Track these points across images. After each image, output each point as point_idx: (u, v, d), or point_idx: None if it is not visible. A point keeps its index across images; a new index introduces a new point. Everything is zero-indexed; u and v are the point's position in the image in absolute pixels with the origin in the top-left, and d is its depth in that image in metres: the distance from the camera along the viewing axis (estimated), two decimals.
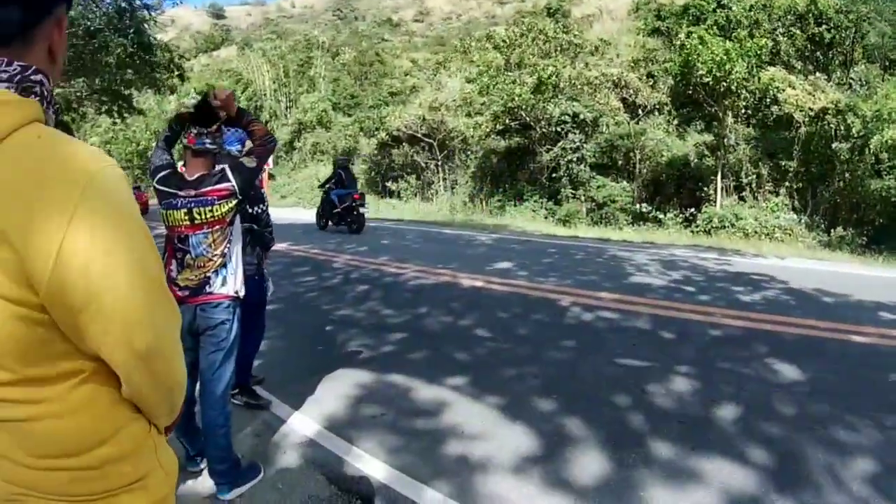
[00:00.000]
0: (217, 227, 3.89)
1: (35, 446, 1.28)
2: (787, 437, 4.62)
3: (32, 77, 1.23)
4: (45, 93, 1.26)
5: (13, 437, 1.27)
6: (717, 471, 4.12)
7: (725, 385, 5.56)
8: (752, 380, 5.73)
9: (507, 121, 26.06)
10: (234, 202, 3.85)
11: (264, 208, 5.07)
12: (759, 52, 20.96)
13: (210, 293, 3.86)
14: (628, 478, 4.04)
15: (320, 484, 4.03)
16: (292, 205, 32.13)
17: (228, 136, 4.73)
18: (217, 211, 3.87)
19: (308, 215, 23.80)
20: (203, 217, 3.87)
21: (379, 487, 3.95)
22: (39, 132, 1.18)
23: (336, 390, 5.53)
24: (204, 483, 4.01)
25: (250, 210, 4.86)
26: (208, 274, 3.86)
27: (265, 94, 41.84)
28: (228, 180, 3.82)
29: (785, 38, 24.09)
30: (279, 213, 24.21)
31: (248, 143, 4.34)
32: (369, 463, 4.24)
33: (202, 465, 4.16)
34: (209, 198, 3.85)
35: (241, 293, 3.94)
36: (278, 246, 12.44)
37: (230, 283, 3.88)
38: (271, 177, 34.64)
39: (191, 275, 3.91)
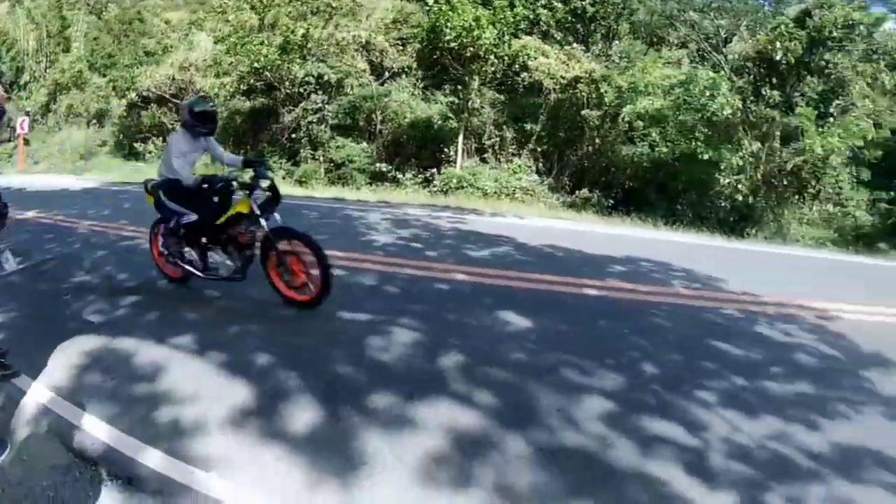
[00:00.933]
0: None
1: None
2: (516, 382, 4.85)
3: None
4: None
5: None
6: (439, 416, 4.29)
7: (450, 336, 5.69)
8: (480, 330, 5.93)
9: (253, 81, 25.48)
10: None
11: None
12: (513, 21, 21.07)
13: None
14: (346, 429, 4.15)
15: (59, 452, 4.00)
16: (46, 171, 29.85)
17: None
18: None
19: (61, 180, 23.31)
20: None
21: (105, 451, 3.97)
22: None
23: (70, 358, 5.38)
24: None
25: None
26: None
27: (27, 55, 38.37)
28: None
29: (546, 10, 24.16)
30: (32, 180, 23.12)
31: None
32: (97, 427, 4.23)
33: None
34: None
35: None
36: (26, 214, 12.69)
37: None
38: (26, 142, 31.86)
39: None
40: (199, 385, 4.74)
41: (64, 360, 5.38)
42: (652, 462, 3.98)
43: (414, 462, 3.80)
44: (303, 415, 4.31)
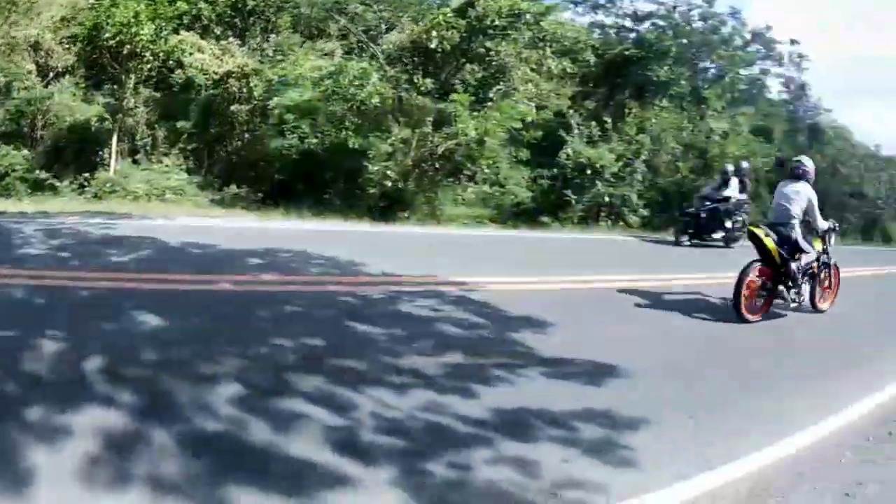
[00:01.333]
0: None
1: None
2: (152, 377, 4.94)
3: None
4: None
5: None
6: (90, 419, 4.17)
7: (91, 342, 5.61)
8: (116, 334, 5.92)
9: None
10: None
11: None
12: (173, 15, 21.08)
13: None
14: (4, 449, 3.82)
15: None
16: None
17: None
18: None
19: None
20: None
21: None
22: None
23: None
24: None
25: None
26: None
27: None
28: None
29: (207, 4, 24.11)
30: None
31: None
32: None
33: None
34: None
35: None
36: None
37: None
38: None
39: None
40: None
41: None
42: (297, 443, 4.08)
43: (74, 467, 3.69)
44: None
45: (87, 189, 20.57)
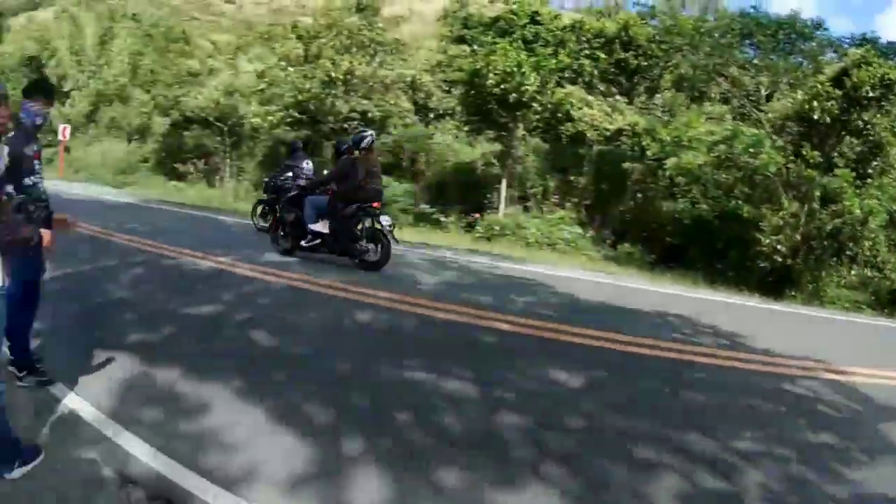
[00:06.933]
0: None
1: None
2: (577, 451, 4.52)
3: None
4: None
5: None
6: (514, 498, 3.87)
7: (506, 393, 5.44)
8: (527, 386, 5.67)
9: (297, 113, 24.80)
10: None
11: (35, 181, 4.72)
12: (556, 68, 20.89)
13: None
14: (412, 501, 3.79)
15: (96, 466, 3.87)
16: (84, 180, 29.58)
17: (27, 107, 4.70)
18: None
19: (100, 191, 23.86)
20: None
21: (145, 471, 3.82)
22: None
23: (111, 375, 5.27)
24: None
25: (23, 181, 4.60)
26: None
27: (69, 63, 38.99)
28: None
29: (589, 61, 24.13)
30: (70, 188, 21.99)
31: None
32: (137, 447, 4.06)
33: None
34: None
35: None
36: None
37: None
38: (67, 150, 31.86)
39: None
40: (250, 433, 4.41)
41: (102, 375, 5.35)
42: None
43: None
44: (368, 483, 3.89)
45: (475, 228, 20.32)
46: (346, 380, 5.55)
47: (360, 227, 10.27)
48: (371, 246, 10.20)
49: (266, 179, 15.21)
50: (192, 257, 10.50)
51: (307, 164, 13.48)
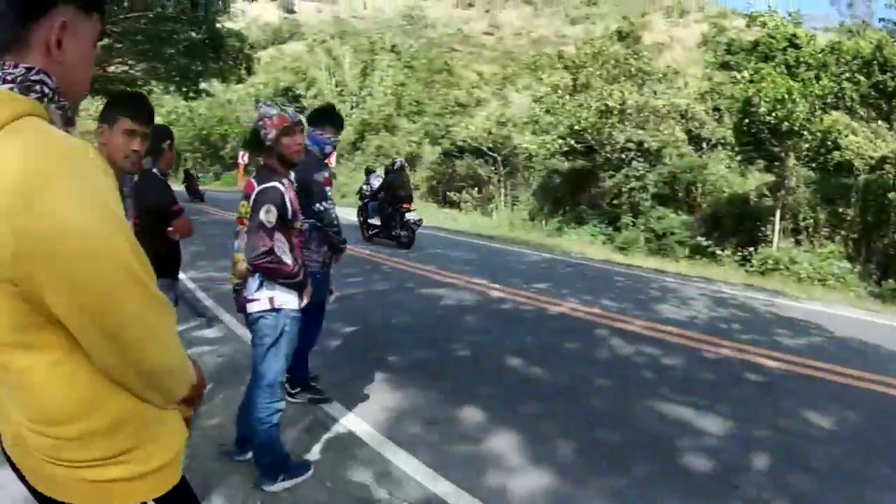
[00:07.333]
0: (240, 225, 4.10)
1: (25, 410, 1.42)
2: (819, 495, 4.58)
3: (32, 77, 1.38)
4: (47, 90, 1.40)
5: (13, 400, 1.44)
6: None
7: (760, 431, 5.55)
8: (789, 430, 5.65)
9: (573, 142, 26.86)
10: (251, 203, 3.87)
11: (327, 206, 5.12)
12: (821, 94, 21.48)
13: (245, 297, 4.00)
14: None
15: (370, 487, 4.21)
16: (352, 205, 31.30)
17: (314, 136, 5.24)
18: (240, 208, 4.09)
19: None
20: (241, 210, 4.08)
21: (430, 496, 4.12)
22: (26, 124, 1.30)
23: (387, 397, 5.84)
24: (252, 470, 4.21)
25: (314, 207, 5.02)
26: (245, 277, 3.99)
27: (328, 93, 43.39)
28: (259, 180, 3.94)
29: (850, 84, 24.02)
30: (342, 214, 25.24)
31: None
32: (420, 471, 4.43)
33: (248, 455, 4.33)
34: (247, 191, 4.02)
35: (283, 305, 3.96)
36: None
37: (265, 291, 3.92)
38: (333, 176, 35.62)
39: (234, 269, 4.15)
40: (524, 460, 4.76)
41: (377, 395, 5.82)
42: None
43: None
44: None
45: (749, 263, 21.20)
46: (604, 410, 5.93)
47: (396, 220, 16.80)
48: (403, 233, 16.76)
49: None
50: (484, 287, 11.73)
51: (375, 182, 18.52)
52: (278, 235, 3.83)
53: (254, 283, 3.89)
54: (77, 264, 1.24)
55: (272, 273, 3.85)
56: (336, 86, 44.17)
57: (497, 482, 4.35)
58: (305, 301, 4.17)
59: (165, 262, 4.30)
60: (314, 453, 4.62)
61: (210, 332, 7.74)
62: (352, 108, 41.60)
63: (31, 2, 1.38)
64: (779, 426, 5.66)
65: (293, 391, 5.37)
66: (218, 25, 21.08)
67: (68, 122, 1.49)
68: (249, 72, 26.75)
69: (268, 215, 3.74)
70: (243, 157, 38.44)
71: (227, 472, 4.25)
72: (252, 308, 3.93)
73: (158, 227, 4.46)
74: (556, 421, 5.57)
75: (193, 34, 19.93)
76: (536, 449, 4.92)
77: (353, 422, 5.18)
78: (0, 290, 1.28)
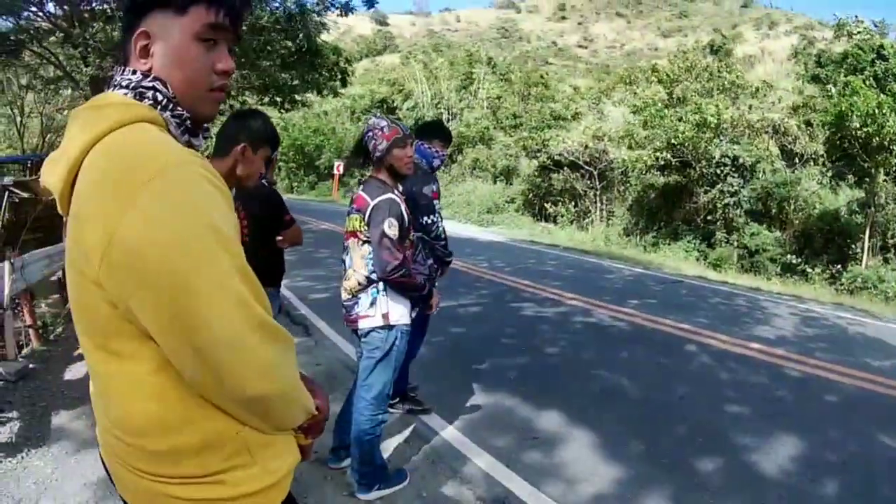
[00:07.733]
0: (350, 239, 4.04)
1: (116, 419, 1.46)
2: None
3: (145, 84, 1.43)
4: (160, 97, 1.44)
5: (105, 408, 1.50)
6: None
7: (833, 455, 5.48)
8: (861, 454, 5.58)
9: (669, 157, 26.77)
10: (363, 218, 3.88)
11: (434, 220, 5.06)
12: None
13: (357, 314, 3.99)
14: None
15: (465, 499, 4.23)
16: (448, 217, 31.19)
17: (422, 149, 5.19)
18: (350, 223, 4.05)
19: (465, 230, 26.91)
20: (354, 224, 4.03)
21: None
22: (134, 130, 1.34)
23: (488, 409, 5.92)
24: (345, 479, 4.27)
25: (420, 220, 4.90)
26: (357, 292, 3.99)
27: (424, 106, 44.42)
28: (370, 193, 3.93)
29: None
30: None
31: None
32: (521, 486, 4.46)
33: (343, 463, 4.42)
34: (354, 206, 4.03)
35: (396, 321, 3.98)
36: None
37: (378, 307, 3.93)
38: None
39: (345, 283, 4.10)
40: (634, 478, 4.84)
41: (475, 408, 5.89)
42: None
43: None
44: None
45: (839, 281, 21.13)
46: (680, 422, 6.04)
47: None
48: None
49: None
50: (582, 303, 11.82)
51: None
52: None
53: (366, 299, 3.95)
54: (159, 278, 1.24)
55: (403, 286, 3.98)
56: (433, 98, 44.81)
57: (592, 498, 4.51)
58: (414, 313, 4.27)
59: (272, 271, 4.56)
60: (411, 463, 4.74)
61: (307, 341, 8.09)
62: (448, 120, 41.97)
63: (128, 15, 1.47)
64: (852, 450, 5.62)
65: (392, 401, 5.38)
66: (314, 39, 21.11)
67: (188, 132, 1.54)
68: (345, 84, 26.67)
69: (391, 229, 3.80)
70: (338, 168, 40.20)
71: (320, 480, 4.39)
72: (364, 324, 3.99)
73: (268, 235, 4.61)
74: (631, 428, 5.78)
75: (290, 45, 19.97)
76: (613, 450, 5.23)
77: (450, 433, 5.32)
78: (90, 290, 1.34)
